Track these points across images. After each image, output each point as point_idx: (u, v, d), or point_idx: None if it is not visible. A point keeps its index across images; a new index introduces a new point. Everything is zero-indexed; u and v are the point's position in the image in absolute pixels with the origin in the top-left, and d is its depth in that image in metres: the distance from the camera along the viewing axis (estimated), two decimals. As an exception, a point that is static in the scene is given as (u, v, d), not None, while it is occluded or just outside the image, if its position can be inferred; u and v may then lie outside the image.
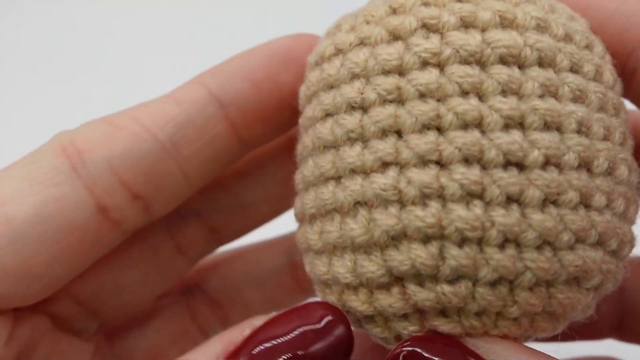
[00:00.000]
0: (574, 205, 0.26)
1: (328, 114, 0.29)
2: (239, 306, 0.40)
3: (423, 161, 0.26)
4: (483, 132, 0.26)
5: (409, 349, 0.26)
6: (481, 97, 0.26)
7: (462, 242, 0.25)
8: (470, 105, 0.26)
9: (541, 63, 0.27)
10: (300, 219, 0.31)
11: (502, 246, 0.25)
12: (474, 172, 0.25)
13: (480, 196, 0.25)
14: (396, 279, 0.27)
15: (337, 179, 0.28)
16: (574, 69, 0.28)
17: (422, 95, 0.26)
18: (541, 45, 0.27)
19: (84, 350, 0.35)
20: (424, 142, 0.26)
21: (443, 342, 0.26)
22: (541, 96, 0.26)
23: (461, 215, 0.25)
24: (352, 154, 0.27)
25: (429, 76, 0.26)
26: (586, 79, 0.28)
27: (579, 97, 0.27)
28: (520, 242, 0.25)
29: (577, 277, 0.27)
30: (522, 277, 0.26)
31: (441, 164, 0.26)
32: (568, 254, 0.26)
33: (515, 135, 0.26)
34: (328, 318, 0.27)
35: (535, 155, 0.26)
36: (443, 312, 0.27)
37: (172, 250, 0.37)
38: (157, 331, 0.38)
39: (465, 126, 0.26)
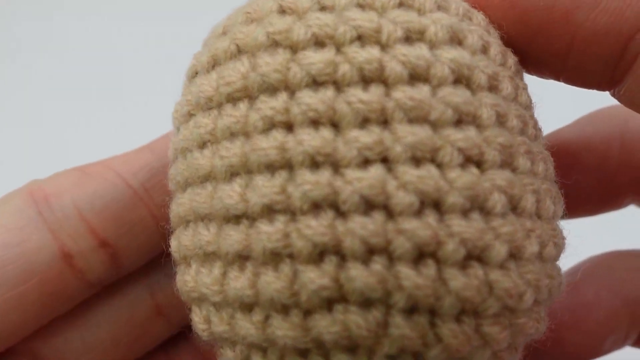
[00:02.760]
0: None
1: (183, 150, 0.26)
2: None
3: (270, 211, 0.22)
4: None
5: None
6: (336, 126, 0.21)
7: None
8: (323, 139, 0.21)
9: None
10: None
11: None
12: (326, 221, 0.21)
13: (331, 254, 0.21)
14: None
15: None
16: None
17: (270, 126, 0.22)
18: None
19: None
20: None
21: None
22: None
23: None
24: (203, 196, 0.24)
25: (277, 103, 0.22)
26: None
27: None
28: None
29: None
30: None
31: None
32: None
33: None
34: None
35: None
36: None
37: (151, 310, 0.34)
38: None
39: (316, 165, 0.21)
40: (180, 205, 0.25)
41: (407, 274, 0.20)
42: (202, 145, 0.24)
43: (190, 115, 0.25)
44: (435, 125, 0.21)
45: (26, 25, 0.84)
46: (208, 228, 0.23)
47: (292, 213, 0.21)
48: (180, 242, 0.25)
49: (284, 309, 0.21)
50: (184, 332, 0.35)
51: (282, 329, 0.21)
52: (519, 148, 0.23)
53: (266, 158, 0.21)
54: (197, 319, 0.24)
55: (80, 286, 0.32)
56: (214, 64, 0.24)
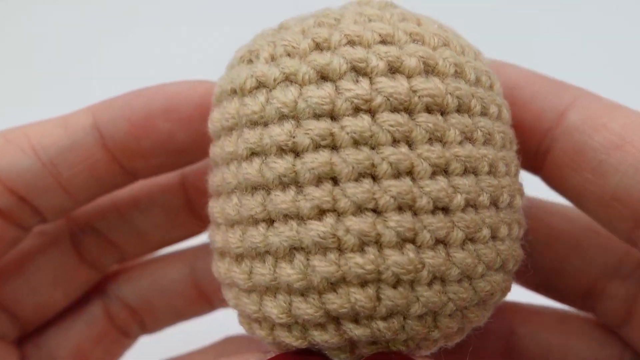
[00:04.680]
0: (487, 239, 0.29)
1: (254, 153, 0.29)
2: (150, 313, 0.42)
3: (360, 209, 0.27)
4: (413, 179, 0.27)
5: None
6: (410, 145, 0.27)
7: (397, 283, 0.27)
8: (402, 155, 0.27)
9: (459, 109, 0.28)
10: (221, 253, 0.31)
11: (430, 284, 0.28)
12: (407, 219, 0.27)
13: (412, 241, 0.27)
14: (333, 318, 0.28)
15: (269, 221, 0.28)
16: (484, 112, 0.29)
17: (356, 143, 0.27)
18: (460, 93, 0.28)
19: (10, 355, 0.39)
20: (361, 191, 0.27)
21: (397, 358, 0.29)
22: (460, 142, 0.28)
23: (397, 260, 0.27)
24: (285, 199, 0.28)
25: (362, 123, 0.27)
26: (492, 120, 0.30)
27: (488, 140, 0.29)
28: (445, 278, 0.28)
29: (485, 299, 0.30)
30: (445, 307, 0.28)
31: (377, 211, 0.27)
32: (480, 282, 0.29)
33: (442, 182, 0.27)
34: None
35: (459, 199, 0.28)
36: (374, 342, 0.29)
37: (75, 258, 0.40)
38: (79, 334, 0.41)
39: (397, 175, 0.27)
40: (250, 208, 0.29)
41: (459, 255, 0.28)
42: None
43: (284, 116, 0.28)
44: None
45: None
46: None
47: (378, 212, 0.27)
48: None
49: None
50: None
51: (393, 299, 0.27)
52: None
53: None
54: (306, 306, 0.28)
55: (15, 230, 0.37)
56: (324, 77, 0.28)
